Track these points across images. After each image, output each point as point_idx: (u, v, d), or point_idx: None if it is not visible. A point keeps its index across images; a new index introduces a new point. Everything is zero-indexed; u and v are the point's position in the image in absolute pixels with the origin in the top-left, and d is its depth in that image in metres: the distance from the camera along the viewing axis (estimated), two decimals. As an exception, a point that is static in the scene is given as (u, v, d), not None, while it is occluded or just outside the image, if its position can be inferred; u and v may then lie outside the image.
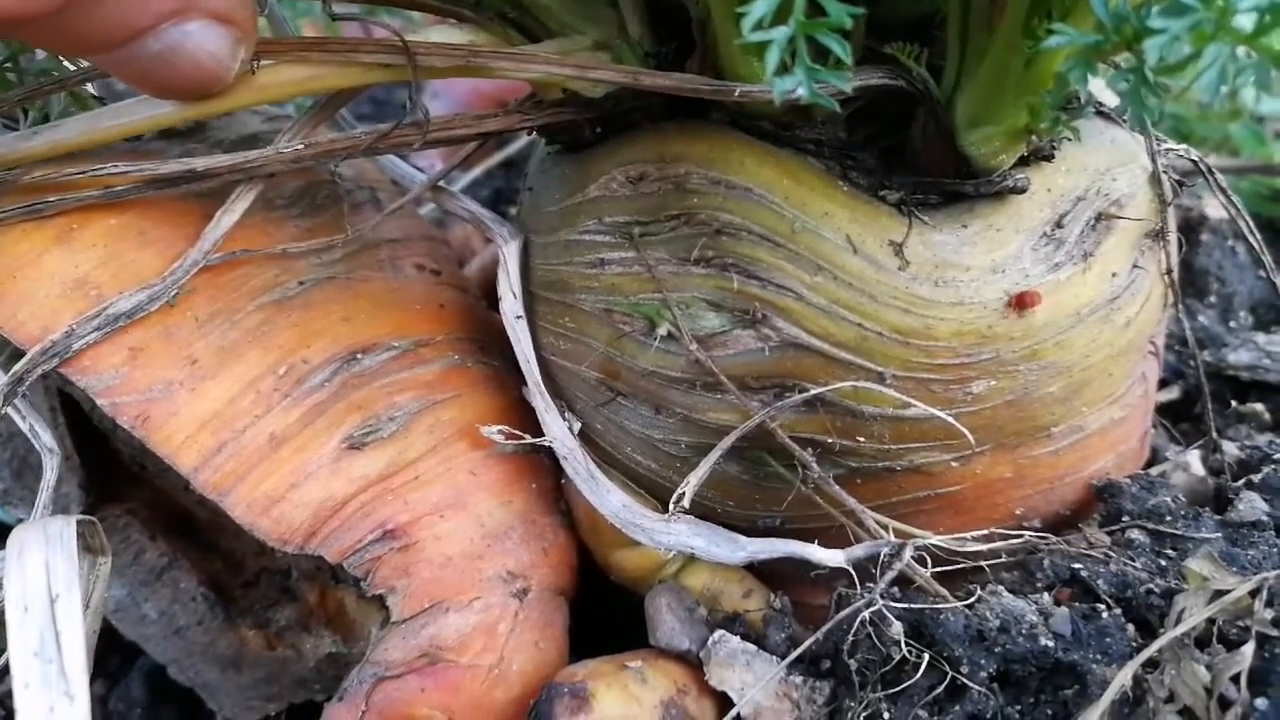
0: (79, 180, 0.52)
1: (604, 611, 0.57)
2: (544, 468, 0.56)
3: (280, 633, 0.59)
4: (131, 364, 0.51)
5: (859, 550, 0.48)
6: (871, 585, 0.47)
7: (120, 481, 0.61)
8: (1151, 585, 0.49)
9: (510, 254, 0.55)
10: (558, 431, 0.53)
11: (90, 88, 0.59)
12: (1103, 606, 0.48)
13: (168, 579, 0.59)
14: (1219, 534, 0.51)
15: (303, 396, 0.52)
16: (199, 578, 0.59)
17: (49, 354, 0.50)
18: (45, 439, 0.53)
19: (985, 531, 0.51)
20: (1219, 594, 0.47)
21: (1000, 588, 0.49)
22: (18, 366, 0.50)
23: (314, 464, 0.51)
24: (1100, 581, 0.49)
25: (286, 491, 0.51)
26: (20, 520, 0.58)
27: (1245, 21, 0.35)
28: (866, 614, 0.47)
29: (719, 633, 0.51)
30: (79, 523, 0.50)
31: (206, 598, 0.58)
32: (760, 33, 0.34)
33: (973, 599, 0.48)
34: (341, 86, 0.50)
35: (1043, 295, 0.48)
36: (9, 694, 0.67)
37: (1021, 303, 0.47)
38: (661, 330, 0.49)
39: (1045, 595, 0.49)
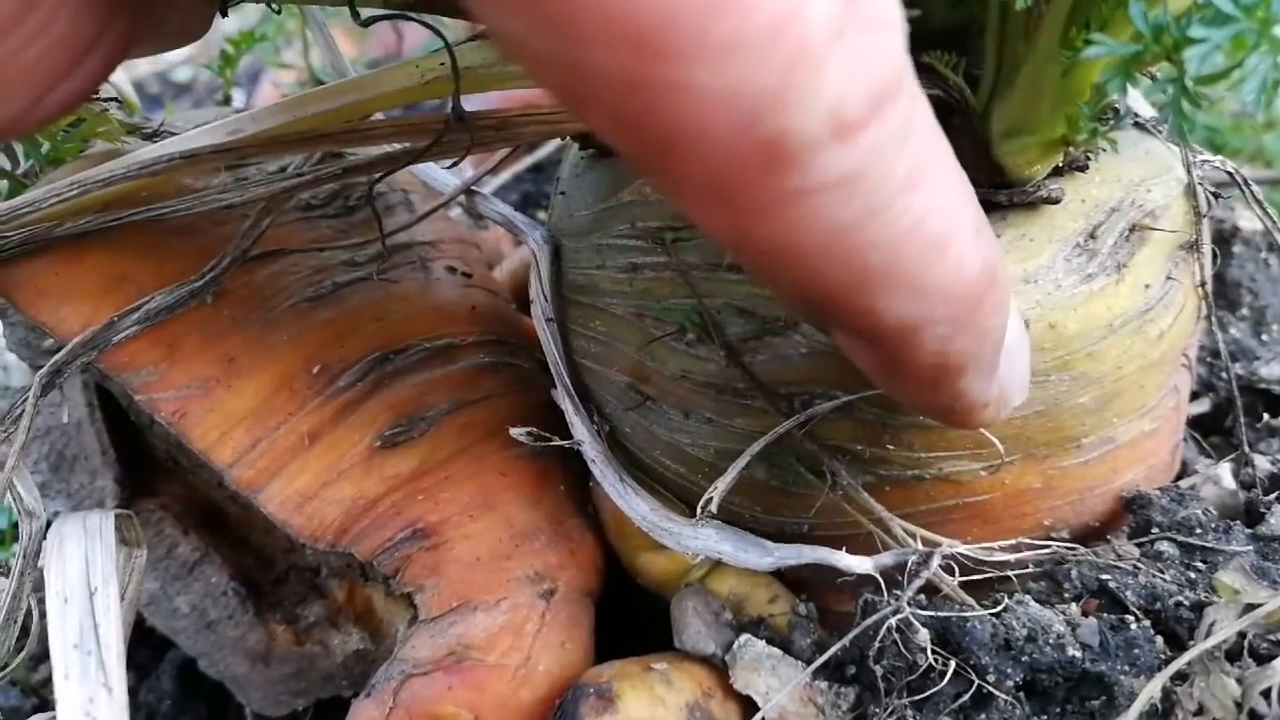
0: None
1: (629, 614, 0.57)
2: (572, 470, 0.57)
3: (309, 629, 0.59)
4: (169, 360, 0.52)
5: (887, 558, 0.48)
6: (898, 592, 0.47)
7: (154, 476, 0.62)
8: (1181, 598, 0.49)
9: (542, 257, 0.56)
10: (586, 434, 0.54)
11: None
12: (1131, 618, 0.48)
13: (199, 573, 0.59)
14: (1250, 547, 0.50)
15: (335, 395, 0.53)
16: (230, 573, 0.59)
17: (89, 346, 0.51)
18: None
19: (1013, 541, 0.51)
20: (1250, 607, 0.47)
21: (1027, 597, 0.49)
22: (57, 357, 0.51)
23: (346, 462, 0.52)
24: (1129, 593, 0.49)
25: (319, 489, 0.52)
26: (58, 513, 0.59)
27: (1285, 32, 0.35)
28: (893, 621, 0.47)
29: (744, 637, 0.51)
30: (116, 516, 0.51)
31: (237, 593, 0.59)
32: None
33: (1000, 608, 0.48)
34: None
35: (1066, 308, 0.47)
36: (44, 684, 0.68)
37: None
38: (692, 335, 0.49)
39: (1073, 606, 0.49)
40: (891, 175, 0.27)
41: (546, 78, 0.25)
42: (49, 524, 0.51)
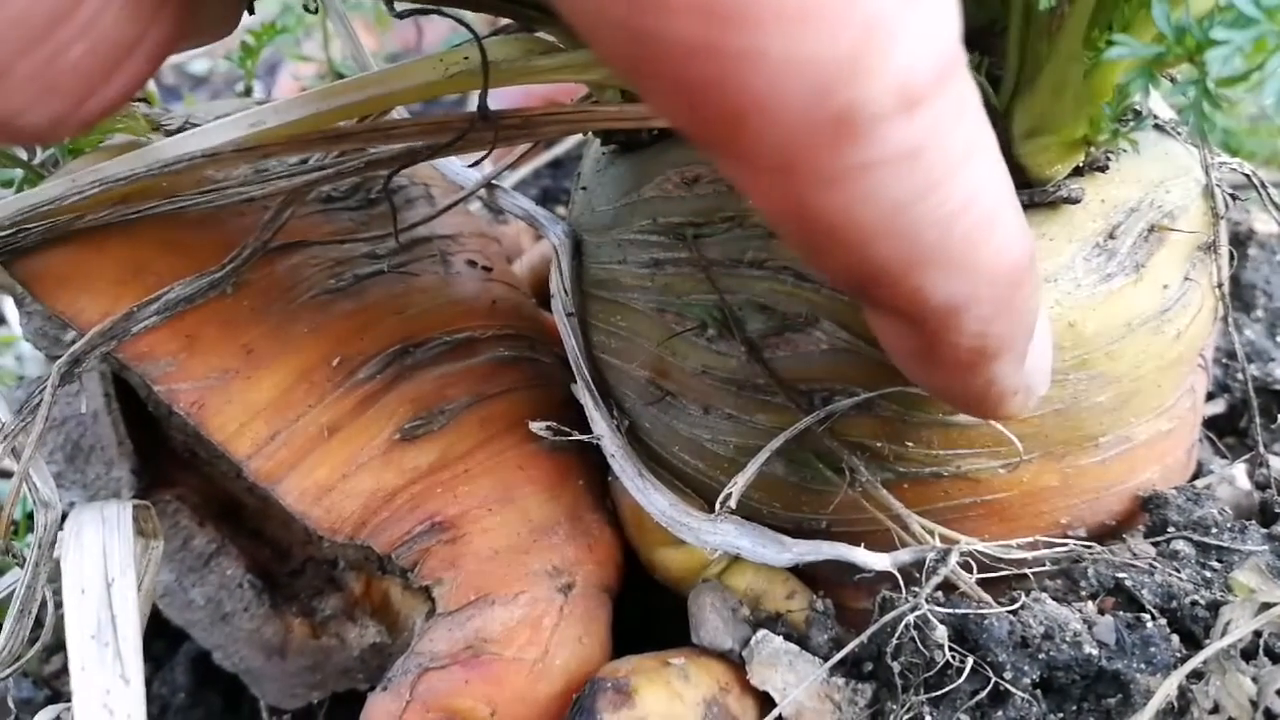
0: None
1: (647, 609, 0.57)
2: (591, 465, 0.57)
3: (325, 622, 0.59)
4: (188, 351, 0.52)
5: (905, 555, 0.48)
6: (916, 590, 0.48)
7: (171, 467, 0.62)
8: (1196, 596, 0.49)
9: (563, 252, 0.56)
10: (605, 429, 0.54)
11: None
12: (1147, 616, 0.48)
13: (215, 565, 0.59)
14: (1265, 547, 0.51)
15: (355, 388, 0.53)
16: (246, 565, 0.59)
17: (108, 335, 0.51)
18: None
19: (1030, 539, 0.51)
20: (1266, 606, 0.47)
21: (1044, 595, 0.49)
22: (76, 346, 0.51)
23: (365, 455, 0.52)
24: (1145, 591, 0.49)
25: (338, 481, 0.52)
26: (74, 504, 0.59)
27: (1304, 35, 0.35)
28: (911, 618, 0.47)
29: (762, 632, 0.52)
30: (134, 507, 0.51)
31: (253, 585, 0.59)
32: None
33: (1017, 606, 0.48)
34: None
35: (1084, 308, 0.48)
36: (56, 675, 0.69)
37: None
38: (713, 331, 0.49)
39: (1089, 604, 0.49)
40: (951, 150, 0.27)
41: (612, 47, 0.25)
42: (65, 515, 0.51)
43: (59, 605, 0.49)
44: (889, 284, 0.30)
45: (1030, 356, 0.38)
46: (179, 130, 0.54)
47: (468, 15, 0.51)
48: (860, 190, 0.26)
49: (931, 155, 0.26)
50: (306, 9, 0.47)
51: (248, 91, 0.74)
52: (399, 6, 0.51)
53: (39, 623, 0.52)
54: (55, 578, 0.50)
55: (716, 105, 0.24)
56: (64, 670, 0.68)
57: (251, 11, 0.45)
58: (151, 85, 0.65)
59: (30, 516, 0.64)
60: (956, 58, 0.27)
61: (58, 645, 0.52)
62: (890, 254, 0.29)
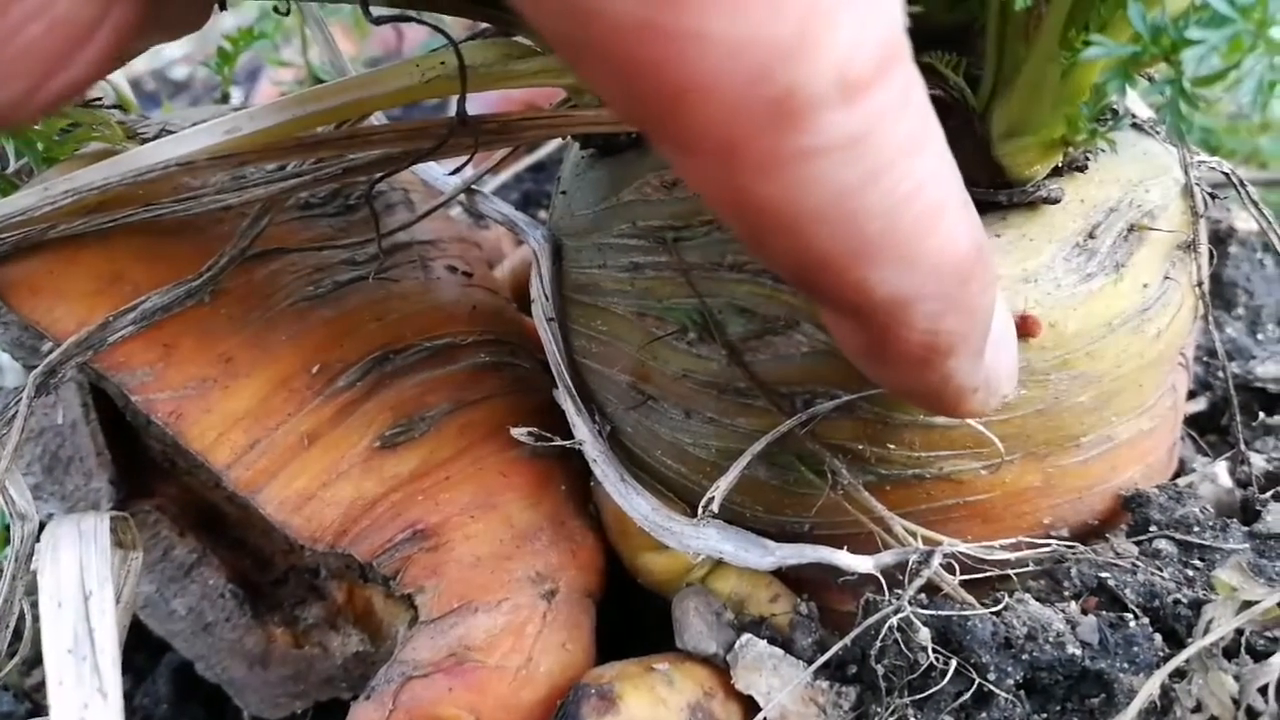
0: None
1: (631, 614, 0.57)
2: (573, 470, 0.57)
3: (308, 631, 0.59)
4: (165, 361, 0.52)
5: (888, 557, 0.48)
6: (899, 592, 0.48)
7: (150, 477, 0.61)
8: (1179, 595, 0.49)
9: (543, 256, 0.56)
10: (587, 434, 0.54)
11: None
12: (1130, 616, 0.48)
13: (196, 575, 0.59)
14: (1247, 545, 0.51)
15: (335, 396, 0.53)
16: (228, 575, 0.59)
17: (84, 346, 0.50)
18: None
19: (1013, 540, 0.51)
20: (1247, 604, 0.47)
21: (1028, 596, 0.49)
22: (51, 357, 0.50)
23: (346, 463, 0.52)
24: (1127, 591, 0.49)
25: (318, 490, 0.51)
26: (51, 515, 0.58)
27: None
28: (894, 620, 0.47)
29: (746, 636, 0.51)
30: (111, 519, 0.51)
31: (235, 595, 0.58)
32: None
33: (1000, 606, 0.48)
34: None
35: (1065, 308, 0.48)
36: (37, 688, 0.68)
37: (1024, 332, 0.47)
38: (693, 334, 0.49)
39: (1072, 604, 0.49)
40: (893, 140, 0.27)
41: (554, 29, 0.25)
42: (42, 526, 0.50)
43: (38, 618, 0.49)
44: (834, 276, 0.30)
45: (990, 353, 0.38)
46: (155, 137, 0.53)
47: (445, 20, 0.51)
48: (801, 177, 0.26)
49: (874, 145, 0.26)
50: (277, 10, 0.47)
51: (225, 98, 0.74)
52: (376, 12, 0.50)
53: (18, 635, 0.52)
54: (33, 590, 0.49)
55: (656, 86, 0.24)
56: (45, 683, 0.67)
57: (224, 7, 0.45)
58: (128, 92, 0.65)
59: (7, 529, 0.64)
60: (898, 49, 0.27)
61: (38, 658, 0.52)
62: (833, 244, 0.28)
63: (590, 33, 0.24)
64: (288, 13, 0.45)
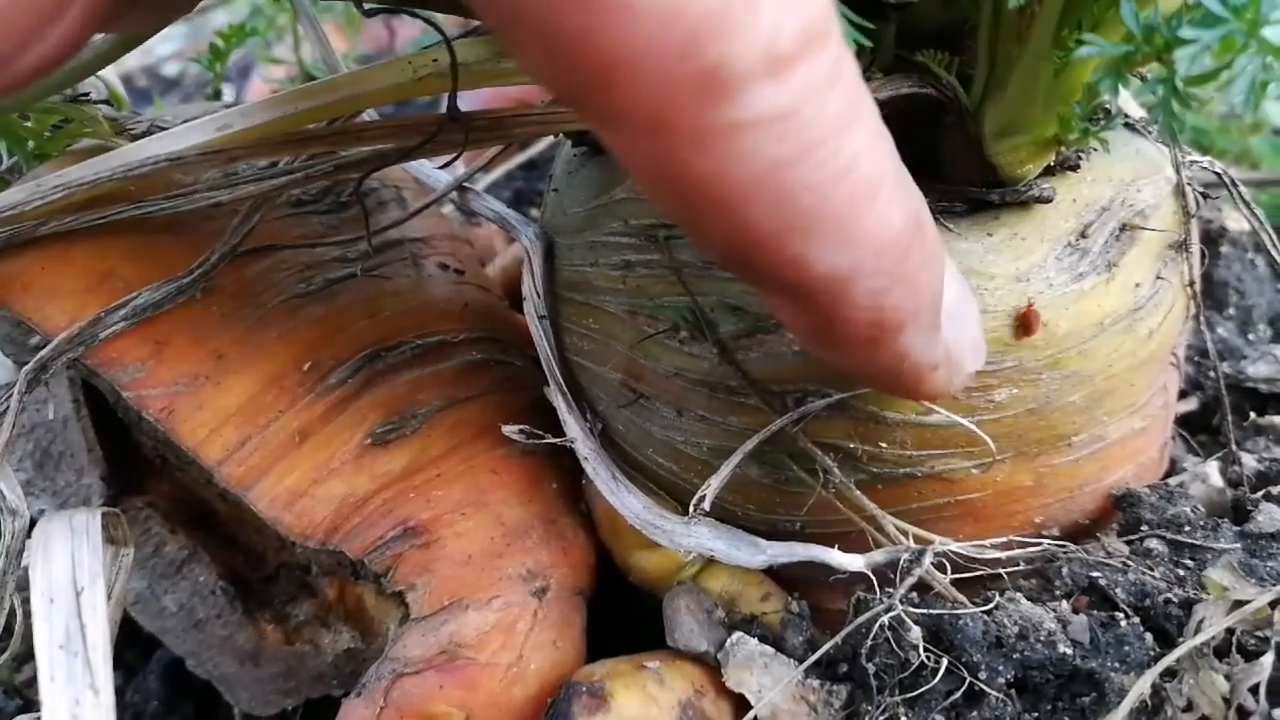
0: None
1: (622, 612, 0.57)
2: (565, 468, 0.57)
3: (299, 627, 0.59)
4: (157, 357, 0.51)
5: (879, 555, 0.48)
6: (891, 590, 0.48)
7: (142, 474, 0.61)
8: (1170, 595, 0.49)
9: (535, 254, 0.55)
10: (579, 432, 0.54)
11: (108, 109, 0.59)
12: (1121, 615, 0.48)
13: (187, 572, 0.59)
14: (1238, 545, 0.51)
15: (326, 393, 0.53)
16: (219, 571, 0.59)
17: (75, 342, 0.50)
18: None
19: (1004, 539, 0.51)
20: (1238, 604, 0.47)
21: (1019, 595, 0.49)
22: (43, 353, 0.50)
23: (337, 460, 0.52)
24: (1118, 590, 0.50)
25: (310, 487, 0.51)
26: (43, 511, 0.58)
27: (1275, 33, 0.35)
28: (885, 619, 0.47)
29: (737, 635, 0.51)
30: (103, 515, 0.51)
31: (226, 591, 0.58)
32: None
33: (991, 605, 0.48)
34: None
35: (1057, 307, 0.48)
36: (28, 684, 0.68)
37: (1025, 328, 0.47)
38: (685, 333, 0.49)
39: (1063, 603, 0.49)
40: (823, 115, 0.27)
41: (483, 2, 0.25)
42: (33, 522, 0.50)
43: (29, 614, 0.49)
44: (770, 254, 0.30)
45: (947, 328, 0.38)
46: (145, 134, 0.53)
47: (437, 16, 0.51)
48: (732, 151, 0.27)
49: (804, 119, 0.27)
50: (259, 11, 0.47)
51: (217, 94, 0.74)
52: (368, 5, 0.50)
53: (9, 631, 0.52)
54: (24, 586, 0.49)
55: (584, 59, 0.25)
56: (36, 679, 0.67)
57: None
58: (120, 88, 0.64)
59: (-1, 525, 0.64)
60: (825, 26, 0.27)
61: (29, 654, 0.52)
62: (767, 220, 0.28)
63: (521, 6, 0.24)
64: None
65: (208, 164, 0.50)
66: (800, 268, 0.30)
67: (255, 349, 0.52)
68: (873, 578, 0.48)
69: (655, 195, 0.29)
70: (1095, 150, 0.51)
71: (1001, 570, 0.51)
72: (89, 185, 0.50)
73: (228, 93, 1.21)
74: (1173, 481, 0.57)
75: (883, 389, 0.43)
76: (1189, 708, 0.46)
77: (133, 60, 1.44)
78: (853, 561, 0.48)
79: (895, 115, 0.48)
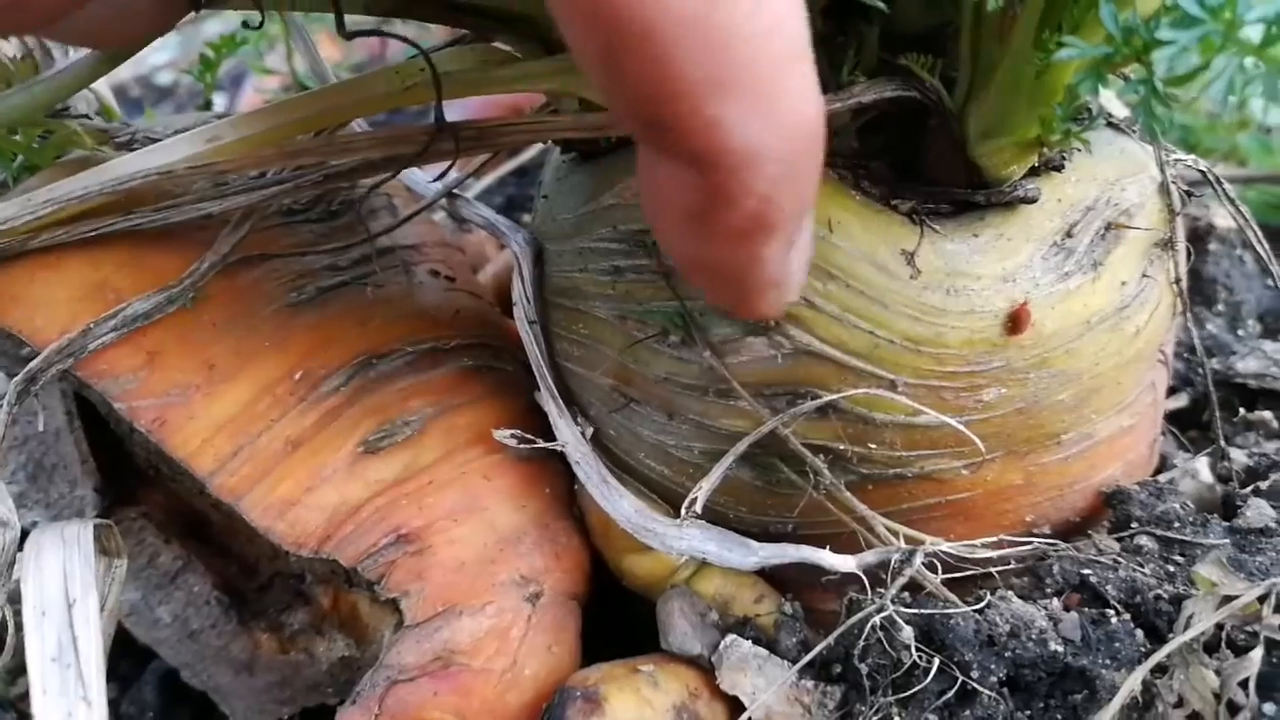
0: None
1: (616, 616, 0.57)
2: (557, 473, 0.57)
3: (293, 636, 0.59)
4: (149, 367, 0.52)
5: (870, 556, 0.49)
6: (882, 591, 0.48)
7: (135, 484, 0.61)
8: (1160, 591, 0.49)
9: (525, 261, 0.56)
10: (570, 437, 0.54)
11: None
12: (1112, 612, 0.49)
13: (181, 582, 0.59)
14: (1227, 540, 0.51)
15: (318, 401, 0.53)
16: (213, 581, 0.59)
17: (64, 353, 0.50)
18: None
19: (995, 538, 0.51)
20: (1227, 599, 0.47)
21: (1010, 593, 0.50)
22: (32, 364, 0.50)
23: (329, 468, 0.52)
24: (1109, 587, 0.50)
25: (302, 495, 0.51)
26: (36, 523, 0.58)
27: (1253, 33, 0.35)
28: (877, 619, 0.47)
29: (730, 637, 0.52)
30: (95, 526, 0.51)
31: (220, 601, 0.58)
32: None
33: (983, 604, 0.49)
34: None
35: (1043, 306, 0.48)
36: (22, 698, 0.68)
37: (1016, 326, 0.48)
38: (675, 337, 0.49)
39: (1055, 601, 0.50)
40: None
41: None
42: (25, 534, 0.50)
43: (21, 627, 0.49)
44: (690, 107, 0.29)
45: (794, 253, 0.38)
46: (129, 145, 0.53)
47: (429, 27, 0.51)
48: None
49: None
50: (246, 25, 0.47)
51: (207, 105, 0.74)
52: (351, 25, 0.50)
53: (1, 644, 0.51)
54: (17, 599, 0.49)
55: None
56: (30, 692, 0.67)
57: (198, 10, 0.45)
58: (110, 99, 0.64)
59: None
60: None
61: (23, 667, 0.51)
62: (693, 68, 0.28)
63: None
64: (260, 26, 0.45)
65: (198, 175, 0.50)
66: (716, 133, 0.30)
67: (247, 358, 0.52)
68: (864, 578, 0.48)
69: (584, 33, 0.29)
70: (1079, 150, 0.51)
71: (993, 569, 0.51)
72: (79, 199, 0.50)
73: (222, 101, 1.21)
74: (1162, 478, 0.57)
75: (718, 294, 0.41)
76: (1180, 703, 0.46)
77: (126, 70, 1.44)
78: (844, 562, 0.49)
79: (879, 118, 0.49)
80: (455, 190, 0.61)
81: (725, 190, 0.32)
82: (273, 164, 0.51)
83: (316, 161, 0.51)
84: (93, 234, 0.52)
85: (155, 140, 0.53)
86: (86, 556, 0.49)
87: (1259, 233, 0.58)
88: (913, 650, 0.47)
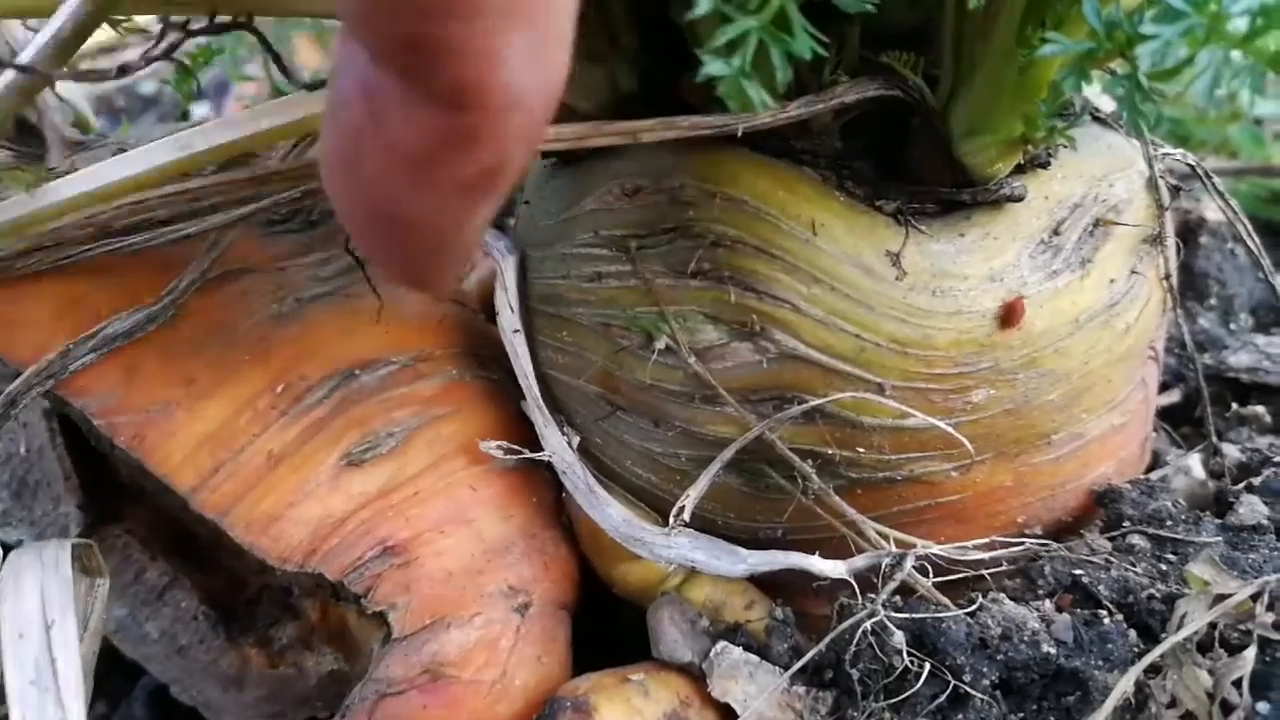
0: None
1: (606, 624, 0.57)
2: (544, 482, 0.56)
3: (282, 651, 0.58)
4: (128, 384, 0.51)
5: (860, 561, 0.48)
6: (873, 595, 0.47)
7: (120, 501, 0.60)
8: (1153, 590, 0.49)
9: (507, 268, 0.55)
10: (557, 445, 0.53)
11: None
12: (1104, 612, 0.48)
13: (169, 598, 0.58)
14: (1220, 538, 0.51)
15: (301, 414, 0.52)
16: (200, 596, 0.58)
17: (44, 375, 0.50)
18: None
19: (986, 540, 0.51)
20: (1220, 598, 0.47)
21: (1002, 595, 0.49)
22: (11, 387, 0.50)
23: (313, 482, 0.51)
24: (1101, 587, 0.49)
25: (285, 510, 0.51)
26: (21, 541, 0.58)
27: (1238, 25, 0.35)
28: (868, 624, 0.47)
29: (721, 644, 0.51)
30: (75, 546, 0.50)
31: (208, 616, 0.58)
32: (720, 64, 0.34)
33: (974, 607, 0.48)
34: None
35: (1032, 305, 0.47)
36: (7, 720, 0.67)
37: (1009, 319, 0.47)
38: (659, 344, 0.49)
39: (1047, 602, 0.49)
40: None
41: None
42: (7, 551, 0.50)
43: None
44: (478, 32, 0.26)
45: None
46: (61, 174, 0.52)
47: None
48: None
49: None
50: (217, 30, 0.46)
51: (184, 116, 0.73)
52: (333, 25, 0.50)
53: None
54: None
55: None
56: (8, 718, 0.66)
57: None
58: (86, 109, 0.64)
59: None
60: None
61: (0, 692, 0.51)
62: None
63: None
64: (223, 30, 0.45)
65: (169, 204, 0.50)
66: (492, 66, 0.27)
67: (227, 372, 0.52)
68: (855, 583, 0.48)
69: None
70: (1066, 147, 0.51)
71: (984, 571, 0.51)
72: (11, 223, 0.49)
73: (206, 109, 1.20)
74: (1154, 476, 0.57)
75: (402, 259, 0.35)
76: (1173, 704, 0.46)
77: (110, 80, 1.42)
78: (834, 568, 0.48)
79: (862, 117, 0.48)
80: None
81: (474, 134, 0.28)
82: (246, 189, 0.51)
83: (289, 185, 0.50)
84: (67, 261, 0.51)
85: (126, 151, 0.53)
86: (64, 578, 0.48)
87: (1249, 226, 0.58)
88: (904, 654, 0.46)
